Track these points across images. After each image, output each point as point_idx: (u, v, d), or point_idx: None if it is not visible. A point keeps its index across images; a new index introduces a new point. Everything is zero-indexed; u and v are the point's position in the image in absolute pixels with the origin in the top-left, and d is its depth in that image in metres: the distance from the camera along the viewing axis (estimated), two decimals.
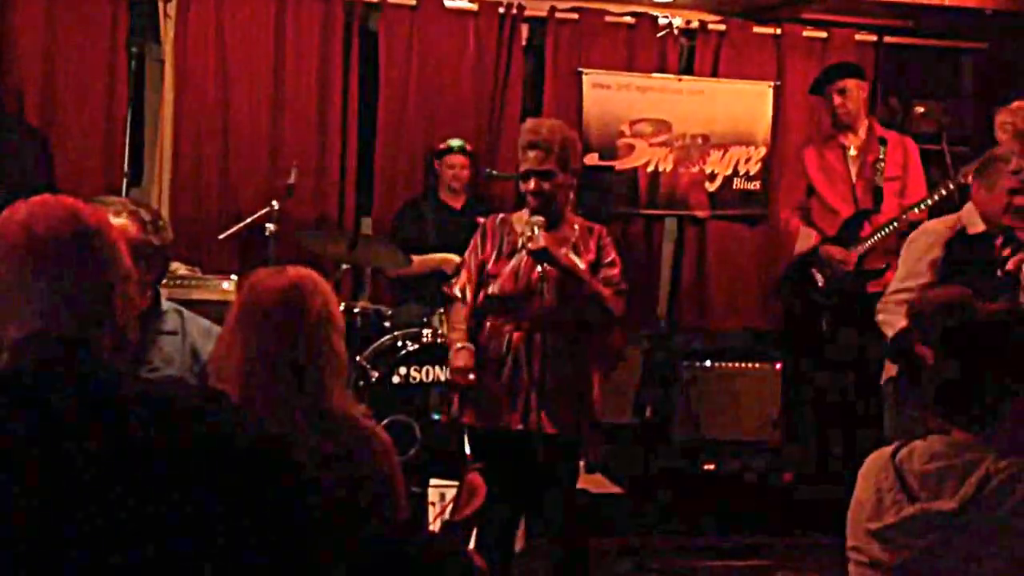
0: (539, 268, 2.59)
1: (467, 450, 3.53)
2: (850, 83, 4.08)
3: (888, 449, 1.61)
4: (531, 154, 2.64)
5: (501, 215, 2.80)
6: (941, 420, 1.58)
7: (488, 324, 2.68)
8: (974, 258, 3.00)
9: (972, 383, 1.54)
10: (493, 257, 2.71)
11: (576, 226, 2.72)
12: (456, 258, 4.05)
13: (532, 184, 2.64)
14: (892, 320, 2.95)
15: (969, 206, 3.11)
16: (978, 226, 3.03)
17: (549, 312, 2.58)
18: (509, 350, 2.63)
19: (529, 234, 2.59)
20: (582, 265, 2.62)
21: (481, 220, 4.31)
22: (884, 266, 3.85)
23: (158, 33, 4.31)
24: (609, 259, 2.68)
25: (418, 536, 1.38)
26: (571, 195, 2.74)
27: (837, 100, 4.07)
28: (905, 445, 1.60)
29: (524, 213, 2.70)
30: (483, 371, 2.66)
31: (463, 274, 2.77)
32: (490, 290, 2.68)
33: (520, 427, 2.62)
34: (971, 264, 2.99)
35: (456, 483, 3.32)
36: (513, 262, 2.66)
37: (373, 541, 1.24)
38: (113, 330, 1.13)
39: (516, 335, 2.62)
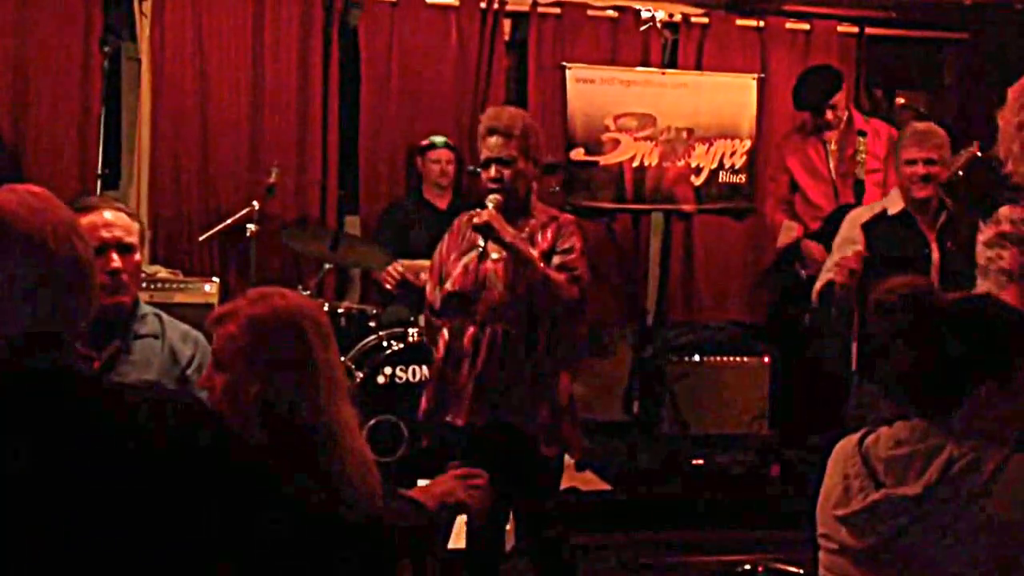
0: (480, 244, 2.51)
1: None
2: (839, 96, 4.14)
3: (856, 436, 1.64)
4: (491, 140, 2.56)
5: (469, 212, 2.69)
6: (902, 407, 1.59)
7: (450, 323, 2.63)
8: (890, 237, 3.04)
9: (931, 371, 1.56)
10: (453, 256, 2.65)
11: (539, 216, 2.62)
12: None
13: (492, 171, 2.56)
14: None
15: (895, 188, 3.17)
16: (897, 206, 3.07)
17: (500, 304, 2.52)
18: (464, 346, 2.58)
19: (479, 210, 2.54)
20: (534, 252, 2.53)
21: None
22: None
23: (134, 31, 4.25)
24: (566, 245, 2.54)
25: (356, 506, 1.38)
26: (534, 185, 2.65)
27: (830, 115, 4.14)
28: (872, 431, 1.62)
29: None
30: (450, 370, 2.61)
31: (429, 281, 2.70)
32: (446, 286, 2.62)
33: (464, 422, 2.56)
34: (887, 243, 3.03)
35: None
36: (466, 257, 2.59)
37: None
38: (82, 331, 1.11)
39: (470, 330, 2.56)
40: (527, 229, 2.58)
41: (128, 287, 1.94)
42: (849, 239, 3.10)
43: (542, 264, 2.50)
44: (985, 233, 2.01)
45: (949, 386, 1.54)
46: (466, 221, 2.66)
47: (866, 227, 3.07)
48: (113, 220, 1.93)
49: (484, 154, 2.59)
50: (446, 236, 2.72)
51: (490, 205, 2.52)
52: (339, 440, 1.49)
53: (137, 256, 1.97)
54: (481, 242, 2.52)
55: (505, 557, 2.87)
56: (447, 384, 2.61)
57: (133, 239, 1.95)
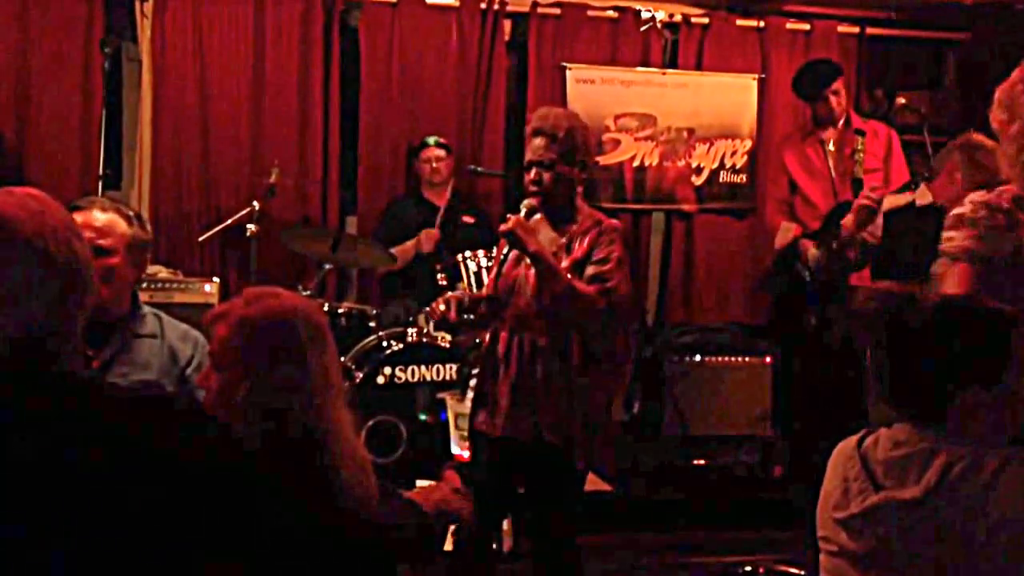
0: (504, 251, 2.47)
1: (455, 449, 3.52)
2: (840, 83, 4.13)
3: (854, 438, 1.63)
4: (535, 142, 2.51)
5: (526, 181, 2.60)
6: (894, 411, 1.58)
7: (490, 328, 2.60)
8: (910, 229, 3.01)
9: (914, 377, 1.55)
10: (500, 259, 2.61)
11: (582, 221, 2.53)
12: (432, 231, 4.04)
13: (532, 174, 2.50)
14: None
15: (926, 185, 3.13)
16: (926, 199, 3.04)
17: (526, 313, 2.47)
18: (499, 352, 2.53)
19: (510, 215, 2.49)
20: (564, 263, 2.46)
21: (467, 219, 4.35)
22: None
23: (135, 32, 4.25)
24: (602, 255, 2.45)
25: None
26: (579, 188, 2.56)
27: (834, 101, 4.12)
28: (871, 433, 1.62)
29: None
30: (489, 376, 2.57)
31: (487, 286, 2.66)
32: (483, 290, 2.61)
33: (498, 431, 2.51)
34: (905, 234, 3.01)
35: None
36: (503, 259, 2.56)
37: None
38: (78, 334, 1.11)
39: (503, 336, 2.52)
40: (567, 235, 2.51)
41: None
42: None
43: (569, 275, 2.43)
44: (948, 217, 1.99)
45: (933, 391, 1.53)
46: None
47: (888, 216, 3.04)
48: (92, 221, 1.88)
49: (527, 156, 2.53)
50: (501, 239, 2.64)
51: (523, 211, 2.47)
52: (333, 442, 1.48)
53: (113, 259, 1.90)
54: (506, 249, 2.49)
55: (503, 558, 2.86)
56: (486, 390, 2.57)
57: (107, 241, 1.89)
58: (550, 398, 2.47)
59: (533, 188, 2.51)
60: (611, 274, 2.44)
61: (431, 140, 4.26)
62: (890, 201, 3.15)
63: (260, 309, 1.52)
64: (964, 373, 1.52)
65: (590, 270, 2.46)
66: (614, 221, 2.58)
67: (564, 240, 2.51)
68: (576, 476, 2.57)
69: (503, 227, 2.46)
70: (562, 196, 2.52)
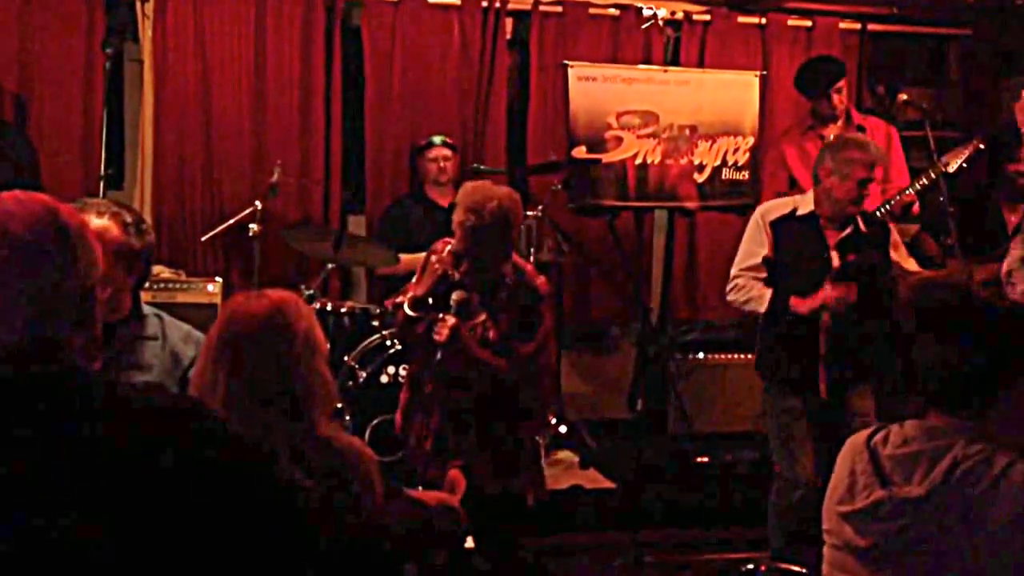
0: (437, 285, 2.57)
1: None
2: (843, 82, 4.13)
3: (866, 432, 1.63)
4: (466, 239, 2.54)
5: (445, 248, 2.66)
6: (921, 402, 1.58)
7: (414, 360, 2.73)
8: (795, 239, 3.04)
9: (956, 366, 1.54)
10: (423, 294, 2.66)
11: (511, 276, 2.60)
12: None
13: (464, 267, 2.58)
14: (753, 295, 3.07)
15: (811, 191, 3.12)
16: (807, 208, 3.05)
17: (456, 375, 2.58)
18: (423, 397, 2.66)
19: (441, 317, 2.55)
20: (491, 334, 2.57)
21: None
22: None
23: (136, 32, 4.25)
24: (526, 331, 2.58)
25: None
26: (509, 250, 2.63)
27: (836, 99, 4.11)
28: (883, 428, 1.61)
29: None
30: (415, 408, 2.70)
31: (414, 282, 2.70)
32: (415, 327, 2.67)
33: (423, 471, 2.66)
34: (792, 244, 3.04)
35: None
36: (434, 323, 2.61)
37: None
38: (88, 334, 1.11)
39: (428, 387, 2.65)
40: (494, 304, 2.59)
41: None
42: (758, 240, 3.09)
43: (505, 365, 2.54)
44: (1013, 249, 1.94)
45: (979, 384, 1.52)
46: (442, 257, 2.64)
47: (774, 225, 3.07)
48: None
49: (455, 246, 2.58)
50: (427, 258, 2.71)
51: (453, 307, 2.54)
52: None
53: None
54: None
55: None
56: (410, 422, 2.70)
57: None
58: (477, 447, 2.59)
59: (461, 278, 2.59)
60: (536, 353, 2.57)
61: (437, 139, 4.25)
62: (769, 208, 3.16)
63: (234, 302, 1.57)
64: (1014, 368, 1.51)
65: (520, 349, 2.57)
66: (540, 281, 2.64)
67: (495, 309, 2.59)
68: (511, 509, 2.67)
69: (439, 338, 2.52)
70: (492, 272, 2.60)
